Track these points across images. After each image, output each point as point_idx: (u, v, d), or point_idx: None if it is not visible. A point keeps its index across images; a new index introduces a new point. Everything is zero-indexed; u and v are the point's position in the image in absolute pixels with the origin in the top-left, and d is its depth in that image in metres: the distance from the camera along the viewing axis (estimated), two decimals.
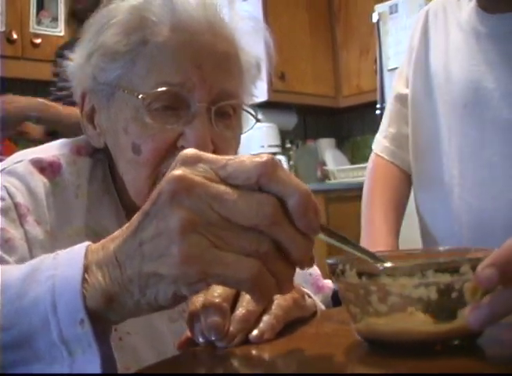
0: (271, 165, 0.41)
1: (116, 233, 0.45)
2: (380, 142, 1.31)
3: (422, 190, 1.24)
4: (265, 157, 0.41)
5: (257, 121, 0.79)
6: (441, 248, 0.57)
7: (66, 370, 0.44)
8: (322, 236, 0.44)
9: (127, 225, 0.44)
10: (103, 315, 0.44)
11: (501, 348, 0.46)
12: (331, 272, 0.49)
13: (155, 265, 0.41)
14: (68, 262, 0.45)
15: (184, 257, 0.40)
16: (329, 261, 0.49)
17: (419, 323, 0.45)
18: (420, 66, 1.22)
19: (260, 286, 0.41)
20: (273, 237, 0.41)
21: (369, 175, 1.32)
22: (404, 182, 1.29)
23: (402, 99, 1.28)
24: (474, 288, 0.44)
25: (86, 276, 0.44)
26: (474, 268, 0.43)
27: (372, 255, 0.47)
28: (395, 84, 1.32)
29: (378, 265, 0.46)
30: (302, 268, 0.44)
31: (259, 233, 0.41)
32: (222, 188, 0.41)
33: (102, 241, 0.46)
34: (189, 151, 0.43)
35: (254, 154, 0.43)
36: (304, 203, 0.41)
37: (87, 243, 0.47)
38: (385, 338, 0.47)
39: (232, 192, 0.40)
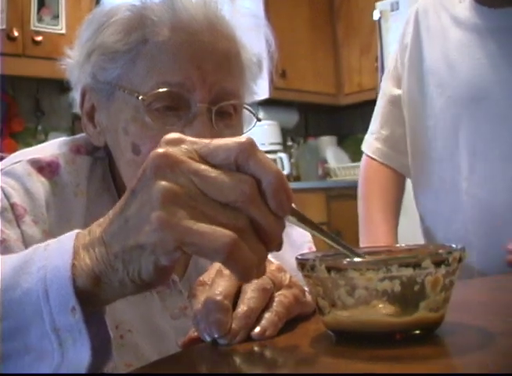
0: (249, 146, 0.43)
1: (102, 219, 0.47)
2: (371, 144, 1.31)
3: (422, 188, 1.24)
4: (243, 138, 0.43)
5: (258, 120, 0.79)
6: (404, 245, 0.61)
7: (55, 363, 0.44)
8: (292, 219, 0.46)
9: (114, 207, 0.46)
10: (93, 296, 0.45)
11: (457, 338, 0.50)
12: (300, 268, 0.51)
13: (136, 236, 0.42)
14: (58, 251, 0.46)
15: (161, 223, 0.41)
16: (299, 257, 0.52)
17: (382, 314, 0.48)
18: (415, 66, 1.21)
19: (236, 259, 0.42)
20: (248, 215, 0.43)
21: (363, 176, 1.32)
22: (398, 183, 1.30)
23: (393, 100, 1.28)
24: (434, 281, 0.48)
25: (74, 261, 0.45)
26: (434, 262, 0.47)
27: (338, 241, 0.50)
28: (385, 85, 1.32)
29: (345, 251, 0.50)
30: (270, 250, 0.45)
31: (236, 210, 0.42)
32: (203, 166, 0.43)
33: (90, 227, 0.47)
34: (173, 134, 0.45)
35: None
36: (277, 184, 0.43)
37: (76, 230, 0.48)
38: (351, 329, 0.50)
39: (213, 170, 0.43)
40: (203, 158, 0.43)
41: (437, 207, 1.21)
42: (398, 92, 1.27)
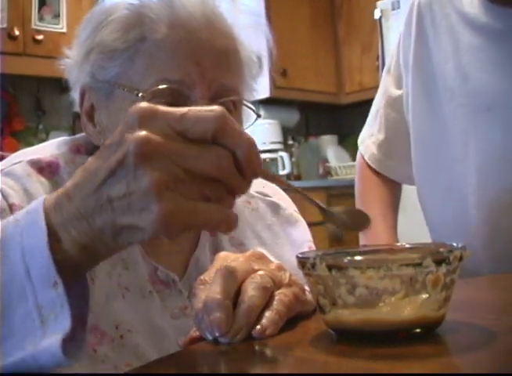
0: (223, 121, 0.46)
1: (70, 188, 0.47)
2: (368, 147, 1.28)
3: (427, 199, 1.19)
4: (218, 111, 0.46)
5: (258, 116, 0.79)
6: (405, 244, 0.60)
7: (36, 342, 0.45)
8: (263, 176, 0.51)
9: (82, 175, 0.46)
10: (79, 264, 0.47)
11: (457, 337, 0.50)
12: (301, 267, 0.52)
13: (133, 218, 0.44)
14: (31, 227, 0.47)
15: (166, 213, 0.43)
16: (299, 255, 0.52)
17: (383, 313, 0.48)
18: (421, 65, 1.15)
19: (228, 224, 0.47)
20: (226, 184, 0.47)
21: (359, 178, 1.31)
22: (393, 185, 1.28)
23: (392, 103, 1.23)
24: (435, 280, 0.48)
25: (52, 236, 0.46)
26: (435, 261, 0.47)
27: (307, 196, 0.55)
28: (385, 84, 1.26)
29: (314, 205, 0.55)
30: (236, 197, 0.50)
31: (216, 181, 0.46)
32: (182, 145, 0.45)
33: (56, 197, 0.47)
34: (143, 105, 0.46)
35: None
36: (250, 154, 0.46)
37: (41, 199, 0.48)
38: (352, 327, 0.50)
39: (192, 148, 0.45)
40: (180, 133, 0.45)
41: (443, 219, 1.16)
42: (398, 92, 1.22)
